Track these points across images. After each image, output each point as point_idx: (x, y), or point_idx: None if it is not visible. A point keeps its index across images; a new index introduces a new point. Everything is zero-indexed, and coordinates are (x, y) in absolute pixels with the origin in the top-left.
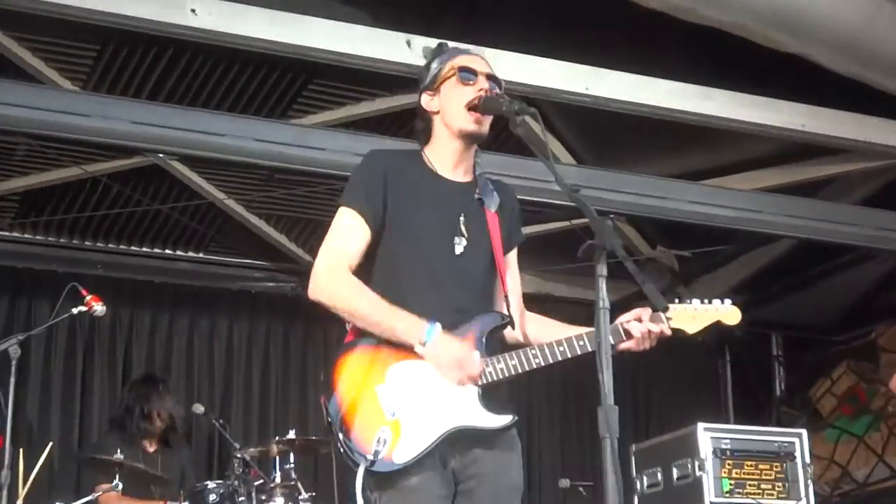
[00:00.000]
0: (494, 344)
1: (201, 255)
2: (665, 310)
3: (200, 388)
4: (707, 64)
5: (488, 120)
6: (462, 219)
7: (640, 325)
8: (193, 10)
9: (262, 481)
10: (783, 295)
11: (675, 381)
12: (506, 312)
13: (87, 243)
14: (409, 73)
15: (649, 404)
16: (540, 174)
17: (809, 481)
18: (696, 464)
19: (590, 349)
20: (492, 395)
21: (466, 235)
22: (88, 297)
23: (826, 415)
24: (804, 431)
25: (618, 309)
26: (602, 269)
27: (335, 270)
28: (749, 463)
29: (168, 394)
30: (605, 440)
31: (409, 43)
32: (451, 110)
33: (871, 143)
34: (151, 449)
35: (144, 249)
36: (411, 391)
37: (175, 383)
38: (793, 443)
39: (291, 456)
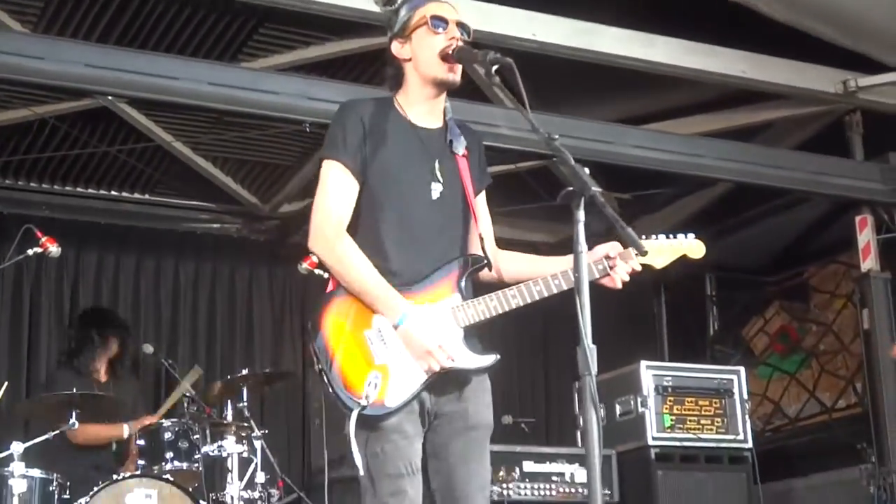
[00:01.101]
0: (472, 285)
1: (147, 196)
2: (645, 254)
3: (147, 328)
4: (650, 11)
5: (460, 67)
6: (437, 164)
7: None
8: None
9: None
10: (717, 236)
11: (611, 321)
12: (481, 254)
13: (33, 185)
14: (359, 17)
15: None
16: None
17: (747, 417)
18: (639, 400)
19: (565, 287)
20: (473, 336)
21: (441, 181)
22: (44, 239)
23: (759, 353)
24: (742, 369)
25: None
26: (580, 215)
27: (335, 230)
28: (689, 399)
29: (117, 322)
30: (585, 377)
31: None
32: (424, 59)
33: (808, 90)
34: (103, 379)
35: (91, 191)
36: (398, 336)
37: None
38: (731, 380)
39: (244, 394)
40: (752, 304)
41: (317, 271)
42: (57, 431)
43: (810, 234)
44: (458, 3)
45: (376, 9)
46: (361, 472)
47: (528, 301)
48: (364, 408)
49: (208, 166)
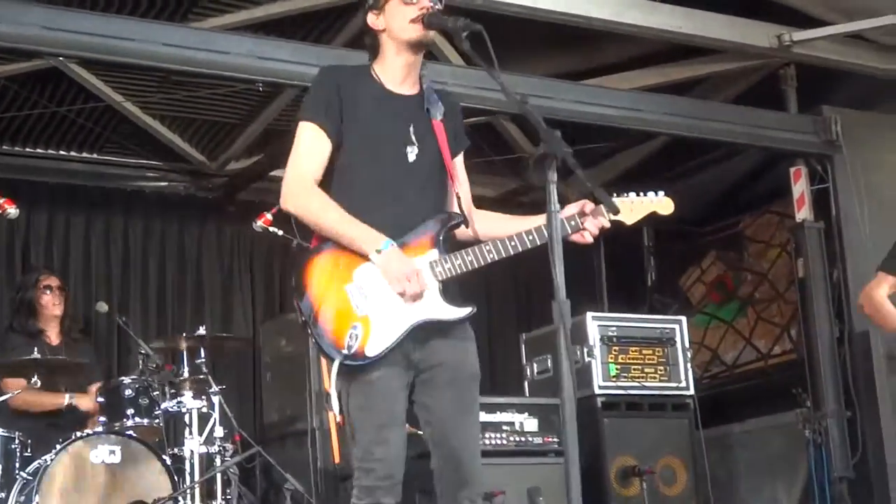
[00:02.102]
0: (449, 242)
1: (96, 155)
2: (617, 212)
3: (98, 287)
4: None
5: (433, 30)
6: (412, 128)
7: (586, 225)
8: None
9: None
10: (655, 189)
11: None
12: (458, 212)
13: None
14: None
15: (530, 296)
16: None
17: (689, 365)
18: (585, 350)
19: (539, 243)
20: (451, 288)
21: (417, 144)
22: (1, 201)
23: (696, 302)
24: (684, 318)
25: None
26: (552, 176)
27: (305, 184)
28: (633, 349)
29: (52, 283)
30: (560, 330)
31: None
32: (397, 27)
33: (743, 44)
34: (55, 342)
35: (39, 151)
36: (378, 288)
37: (73, 284)
38: (673, 329)
39: (202, 351)
40: (688, 255)
41: (271, 229)
42: (9, 395)
43: (745, 184)
44: None
45: None
46: (338, 420)
47: (503, 255)
48: (346, 357)
49: (156, 125)
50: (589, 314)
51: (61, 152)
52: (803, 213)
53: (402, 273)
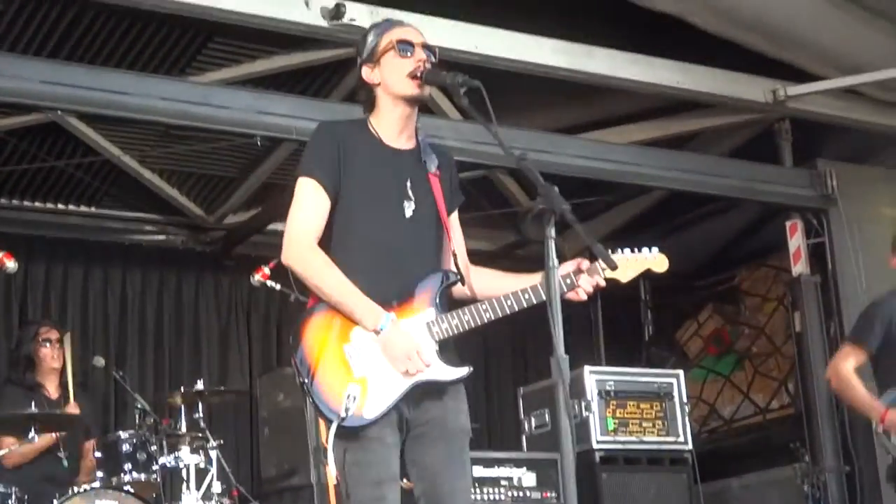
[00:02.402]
0: (446, 300)
1: (94, 209)
2: (615, 268)
3: (96, 341)
4: (587, 23)
5: (428, 85)
6: (409, 183)
7: (581, 282)
8: None
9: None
10: (651, 242)
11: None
12: (454, 270)
13: None
14: (306, 32)
15: (526, 350)
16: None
17: (686, 419)
18: (583, 404)
19: (535, 301)
20: (448, 348)
21: (414, 199)
22: (0, 255)
23: (693, 356)
24: (681, 372)
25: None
26: (551, 232)
27: (308, 244)
28: (631, 403)
29: (52, 336)
30: (559, 386)
31: (307, 3)
32: (393, 81)
33: (739, 99)
34: (54, 396)
35: (37, 204)
36: (376, 350)
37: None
38: (671, 383)
39: (199, 405)
40: (685, 308)
41: (269, 283)
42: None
43: (741, 238)
44: (403, 18)
45: (324, 23)
46: (335, 482)
47: (500, 315)
48: (343, 419)
49: (154, 178)
50: (586, 368)
51: (59, 206)
52: (800, 267)
53: (403, 353)
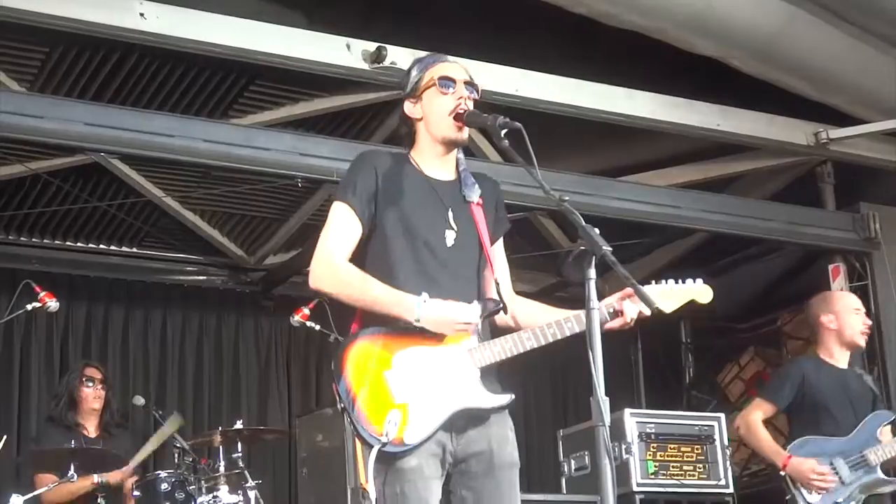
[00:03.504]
0: (488, 328)
1: (135, 249)
2: (657, 311)
3: (136, 380)
4: (629, 66)
5: (469, 127)
6: (450, 213)
7: (620, 307)
8: (142, 14)
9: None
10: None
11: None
12: (496, 298)
13: (22, 239)
14: (347, 74)
15: (566, 392)
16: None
17: (728, 462)
18: (623, 447)
19: (578, 330)
20: (490, 376)
21: (456, 228)
22: (42, 294)
23: (734, 399)
24: (722, 415)
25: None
26: (591, 273)
27: (332, 259)
28: (672, 446)
29: (95, 375)
30: (599, 428)
31: (348, 46)
32: (434, 119)
33: (780, 142)
34: (93, 434)
35: (79, 245)
36: (417, 375)
37: (111, 376)
38: (712, 426)
39: (238, 445)
40: (727, 351)
41: (308, 324)
42: (46, 489)
43: (783, 281)
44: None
45: (364, 66)
46: None
47: (542, 343)
48: (384, 444)
49: (196, 220)
50: (627, 410)
51: (101, 246)
52: None
53: (451, 317)
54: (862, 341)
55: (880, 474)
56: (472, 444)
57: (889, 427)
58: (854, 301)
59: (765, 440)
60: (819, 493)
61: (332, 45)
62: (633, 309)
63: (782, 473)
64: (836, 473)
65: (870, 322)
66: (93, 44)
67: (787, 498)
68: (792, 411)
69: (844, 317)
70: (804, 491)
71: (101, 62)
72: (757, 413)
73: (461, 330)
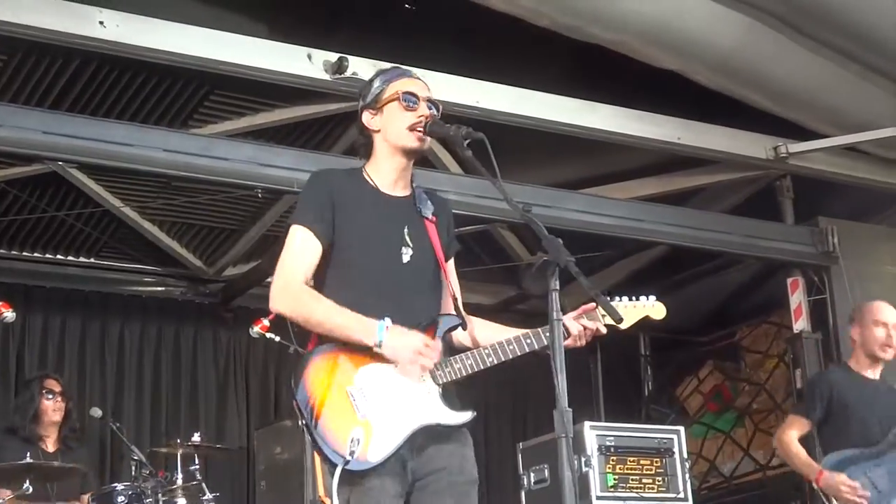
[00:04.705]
0: (445, 346)
1: (93, 260)
2: (620, 320)
3: (92, 391)
4: (591, 79)
5: (429, 138)
6: (406, 229)
7: (577, 324)
8: (102, 23)
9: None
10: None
11: (548, 381)
12: (455, 314)
13: None
14: (308, 85)
15: (525, 405)
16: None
17: (687, 475)
18: (583, 460)
19: (537, 347)
20: (450, 393)
21: (412, 245)
22: None
23: (693, 412)
24: (681, 428)
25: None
26: (555, 284)
27: (294, 283)
28: (631, 459)
29: (55, 388)
30: (562, 439)
31: (310, 56)
32: (394, 132)
33: (740, 155)
34: (51, 449)
35: (37, 255)
36: (379, 392)
37: (67, 387)
38: (671, 439)
39: (196, 458)
40: (686, 364)
41: (268, 335)
42: (9, 498)
43: (742, 294)
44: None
45: (325, 76)
46: None
47: (503, 359)
48: (348, 462)
49: (154, 230)
50: (586, 423)
51: (59, 256)
52: (801, 324)
53: (413, 349)
54: (883, 354)
55: None
56: (432, 461)
57: None
58: (878, 313)
59: (797, 456)
60: None
61: (293, 55)
62: (589, 325)
63: (817, 488)
64: (872, 484)
65: (893, 335)
66: (51, 52)
67: None
68: (823, 425)
69: (865, 329)
70: None
71: (59, 70)
72: (792, 430)
73: (416, 362)
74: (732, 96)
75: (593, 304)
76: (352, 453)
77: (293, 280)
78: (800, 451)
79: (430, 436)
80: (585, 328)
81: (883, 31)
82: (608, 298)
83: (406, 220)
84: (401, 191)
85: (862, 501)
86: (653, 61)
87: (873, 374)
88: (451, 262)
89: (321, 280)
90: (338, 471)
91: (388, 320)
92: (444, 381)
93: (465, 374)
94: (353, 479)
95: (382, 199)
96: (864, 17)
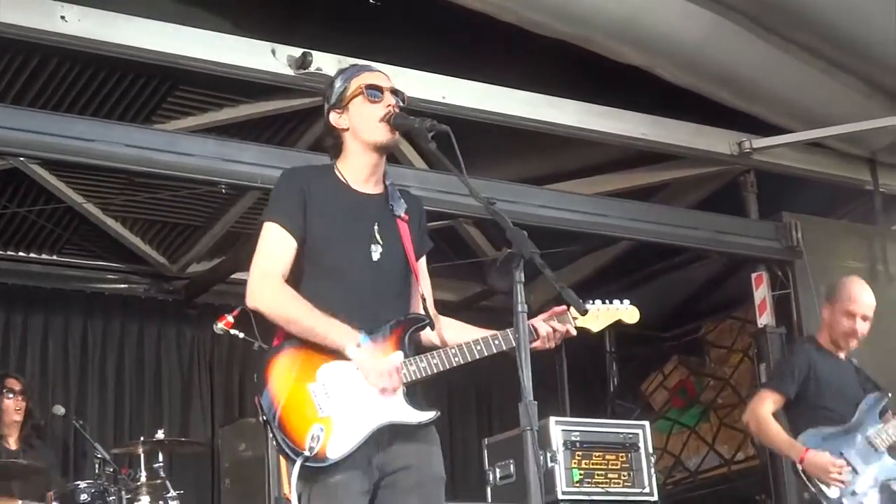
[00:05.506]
0: (413, 345)
1: (55, 256)
2: (584, 312)
3: (55, 389)
4: (556, 75)
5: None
6: (376, 227)
7: (546, 326)
8: (63, 17)
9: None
10: (617, 293)
11: (514, 377)
12: (423, 313)
13: None
14: (272, 80)
15: (491, 401)
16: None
17: (652, 470)
18: (549, 455)
19: (504, 348)
20: (415, 392)
21: (382, 242)
22: None
23: (658, 407)
24: (647, 423)
25: (465, 308)
26: (519, 276)
27: (270, 281)
28: (597, 454)
29: (15, 387)
30: (527, 432)
31: (273, 52)
32: (363, 127)
33: (705, 151)
34: (13, 447)
35: None
36: (342, 389)
37: (29, 385)
38: (637, 434)
39: (159, 455)
40: (651, 360)
41: (232, 331)
42: None
43: (707, 290)
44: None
45: (290, 72)
46: None
47: (469, 360)
48: (307, 459)
49: (117, 226)
50: (552, 419)
51: (20, 253)
52: (765, 319)
53: (384, 368)
54: (846, 344)
55: (889, 459)
56: (398, 459)
57: (889, 408)
58: (850, 303)
59: (777, 434)
60: (838, 487)
61: (257, 50)
62: (560, 328)
63: (799, 468)
64: (849, 464)
65: (860, 329)
66: (12, 46)
67: (806, 496)
68: (795, 400)
69: (836, 314)
70: (823, 486)
71: (21, 65)
72: (766, 405)
73: (378, 385)
74: (698, 92)
75: (564, 307)
76: (311, 449)
77: (272, 278)
78: (779, 429)
79: (395, 434)
80: (555, 330)
81: (848, 28)
82: (573, 292)
83: (377, 218)
84: (373, 188)
85: (845, 481)
86: (619, 57)
87: (841, 353)
88: (423, 260)
89: (294, 276)
90: (296, 466)
91: (363, 337)
92: (409, 379)
93: (430, 373)
94: (313, 475)
95: (354, 196)
96: (829, 13)
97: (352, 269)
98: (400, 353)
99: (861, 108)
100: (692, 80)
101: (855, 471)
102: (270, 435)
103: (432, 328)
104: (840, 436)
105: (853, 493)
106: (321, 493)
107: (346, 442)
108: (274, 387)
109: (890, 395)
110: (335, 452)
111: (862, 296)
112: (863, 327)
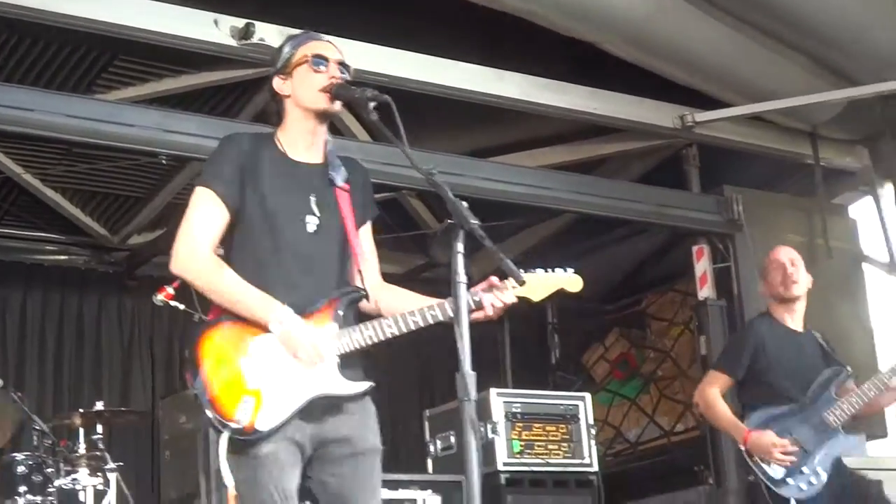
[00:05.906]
0: (351, 316)
1: None
2: (523, 283)
3: None
4: (500, 48)
5: (340, 101)
6: (313, 198)
7: (491, 296)
8: None
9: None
10: (559, 265)
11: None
12: (360, 286)
13: None
14: (215, 50)
15: (432, 372)
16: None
17: (592, 441)
18: (490, 427)
19: (441, 319)
20: (349, 363)
21: (318, 214)
22: None
23: (599, 379)
24: (587, 395)
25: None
26: (459, 247)
27: (197, 248)
28: (537, 425)
29: None
30: (465, 403)
31: (216, 22)
32: (303, 94)
33: (648, 124)
34: None
35: None
36: (273, 362)
37: None
38: (577, 405)
39: (98, 427)
40: (592, 332)
41: (172, 303)
42: None
43: (648, 263)
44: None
45: (232, 42)
46: (232, 493)
47: (404, 331)
48: (235, 431)
49: (57, 197)
50: (493, 390)
51: None
52: (706, 292)
53: (304, 342)
54: (786, 292)
55: (843, 436)
56: (331, 430)
57: (847, 384)
58: (772, 255)
59: (723, 415)
60: (783, 467)
61: (199, 20)
62: (499, 299)
63: (743, 449)
64: (798, 443)
65: (789, 270)
66: None
67: (751, 478)
68: (745, 380)
69: (767, 277)
70: (765, 466)
71: None
72: (714, 387)
73: (302, 360)
74: (642, 65)
75: (503, 278)
76: (239, 421)
77: (200, 246)
78: (726, 411)
79: (328, 406)
80: (497, 300)
81: (798, 6)
82: (512, 263)
83: (314, 189)
84: (312, 157)
85: (789, 460)
86: (565, 31)
87: (794, 323)
88: (368, 226)
89: (226, 246)
90: (223, 438)
91: (289, 310)
92: (342, 351)
93: (363, 344)
94: (242, 448)
95: (290, 165)
96: None
97: (285, 242)
98: (334, 325)
99: (804, 84)
100: (639, 54)
101: (805, 450)
102: (201, 408)
103: (367, 300)
104: (791, 415)
105: (801, 473)
106: (250, 464)
107: (276, 414)
108: (205, 361)
109: (849, 369)
110: (264, 424)
111: (779, 249)
112: (794, 270)
